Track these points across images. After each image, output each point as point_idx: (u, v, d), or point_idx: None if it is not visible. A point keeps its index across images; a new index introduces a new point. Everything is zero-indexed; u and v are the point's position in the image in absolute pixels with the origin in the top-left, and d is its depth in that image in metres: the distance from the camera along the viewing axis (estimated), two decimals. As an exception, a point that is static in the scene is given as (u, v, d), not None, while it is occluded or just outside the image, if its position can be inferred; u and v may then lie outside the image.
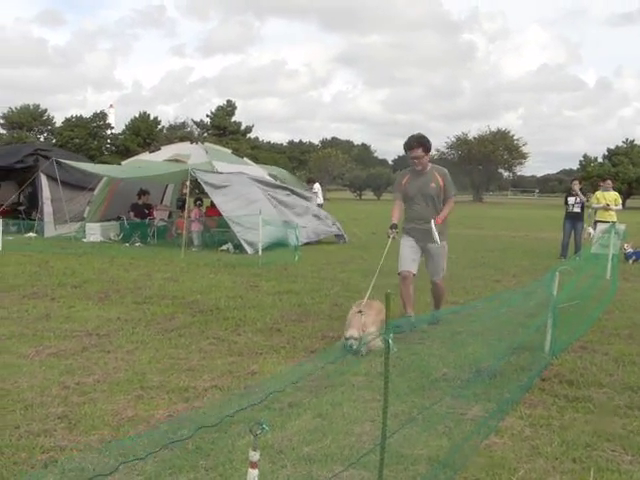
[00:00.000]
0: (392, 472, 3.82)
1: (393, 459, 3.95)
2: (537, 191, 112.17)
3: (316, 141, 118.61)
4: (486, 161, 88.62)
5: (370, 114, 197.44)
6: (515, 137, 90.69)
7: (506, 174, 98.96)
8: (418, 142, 7.76)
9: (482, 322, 6.93)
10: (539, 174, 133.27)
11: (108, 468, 3.45)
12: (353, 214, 35.12)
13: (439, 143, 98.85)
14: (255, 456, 2.56)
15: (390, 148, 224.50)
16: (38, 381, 5.50)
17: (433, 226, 7.56)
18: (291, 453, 4.15)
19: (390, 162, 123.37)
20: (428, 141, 7.87)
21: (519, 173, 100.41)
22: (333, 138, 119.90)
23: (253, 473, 2.56)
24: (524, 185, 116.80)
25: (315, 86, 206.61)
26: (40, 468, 3.87)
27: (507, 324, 6.97)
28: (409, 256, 7.84)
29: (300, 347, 6.84)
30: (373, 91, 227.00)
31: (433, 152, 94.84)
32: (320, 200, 23.13)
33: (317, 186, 24.29)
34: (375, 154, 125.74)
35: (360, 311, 6.59)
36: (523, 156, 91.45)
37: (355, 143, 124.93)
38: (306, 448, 4.23)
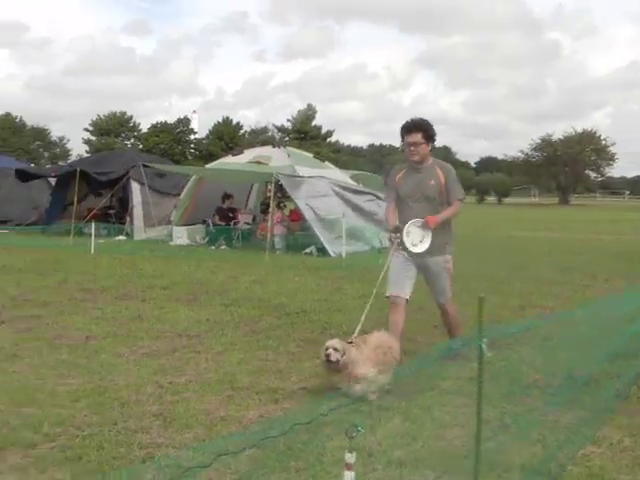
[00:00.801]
0: (485, 479, 3.76)
1: (485, 466, 3.88)
2: (628, 193, 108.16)
3: (396, 144, 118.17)
4: (572, 162, 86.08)
5: (451, 116, 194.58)
6: (603, 137, 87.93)
7: (594, 175, 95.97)
8: (418, 126, 6.33)
9: (574, 328, 6.75)
10: (629, 175, 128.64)
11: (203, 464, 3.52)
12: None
13: (522, 145, 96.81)
14: (351, 458, 2.58)
15: (472, 150, 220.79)
16: (133, 379, 5.67)
17: (418, 226, 6.21)
18: (382, 456, 4.14)
19: (472, 164, 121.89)
20: (431, 128, 6.41)
21: (608, 174, 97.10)
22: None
23: (349, 475, 2.58)
24: (613, 187, 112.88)
25: (395, 89, 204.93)
26: (138, 463, 3.98)
27: (601, 330, 6.76)
28: (400, 275, 6.35)
29: (387, 350, 6.81)
30: (454, 92, 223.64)
31: (517, 154, 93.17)
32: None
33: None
34: (456, 156, 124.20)
35: (350, 342, 5.52)
36: (611, 157, 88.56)
37: (436, 145, 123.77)
38: (397, 452, 4.22)
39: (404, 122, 6.38)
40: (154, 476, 3.63)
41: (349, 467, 2.64)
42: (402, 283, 6.33)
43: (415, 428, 4.65)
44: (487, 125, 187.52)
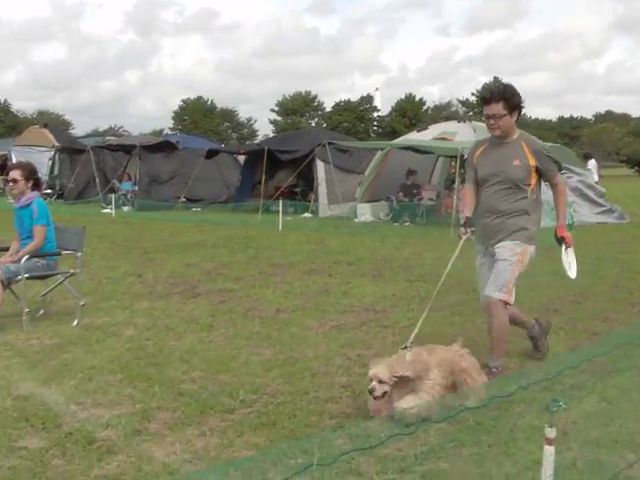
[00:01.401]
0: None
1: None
2: None
3: (588, 116, 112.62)
4: None
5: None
6: None
7: None
8: (498, 94, 5.16)
9: None
10: None
11: (394, 436, 3.56)
12: (631, 192, 32.78)
13: None
14: (552, 433, 2.51)
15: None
16: (322, 351, 5.84)
17: (565, 252, 5.51)
18: (576, 436, 4.00)
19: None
20: (516, 95, 5.20)
21: None
22: (607, 112, 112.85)
23: (549, 450, 2.52)
24: None
25: (588, 57, 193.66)
26: (329, 432, 4.10)
27: None
28: (483, 277, 5.69)
29: (580, 329, 6.56)
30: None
31: None
32: (595, 177, 21.91)
33: (592, 162, 23.04)
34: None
35: (405, 347, 4.54)
36: None
37: (633, 116, 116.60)
38: (592, 432, 4.06)
39: (481, 90, 5.45)
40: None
41: (549, 442, 2.58)
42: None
43: (612, 409, 4.45)
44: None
